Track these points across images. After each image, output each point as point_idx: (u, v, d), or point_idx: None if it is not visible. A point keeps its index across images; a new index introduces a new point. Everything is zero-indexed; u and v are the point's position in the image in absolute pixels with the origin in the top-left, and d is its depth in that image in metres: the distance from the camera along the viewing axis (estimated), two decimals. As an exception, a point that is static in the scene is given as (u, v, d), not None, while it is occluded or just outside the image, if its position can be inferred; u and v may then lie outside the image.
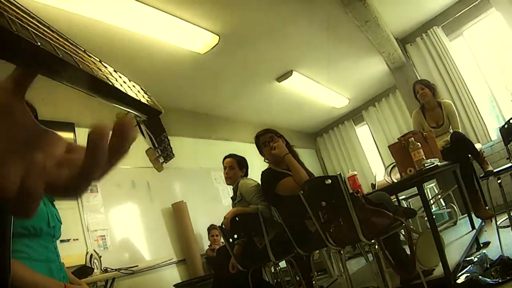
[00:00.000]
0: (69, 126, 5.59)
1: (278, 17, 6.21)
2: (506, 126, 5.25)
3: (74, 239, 5.18)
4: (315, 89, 9.27)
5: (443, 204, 7.78)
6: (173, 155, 1.03)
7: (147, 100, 0.81)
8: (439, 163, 4.19)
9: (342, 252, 3.85)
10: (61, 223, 2.39)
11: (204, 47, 6.05)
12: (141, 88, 0.79)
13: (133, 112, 0.78)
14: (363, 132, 12.20)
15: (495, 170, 4.88)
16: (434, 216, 6.90)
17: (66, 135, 5.52)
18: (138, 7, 4.68)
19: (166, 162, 1.01)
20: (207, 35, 5.83)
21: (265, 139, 4.47)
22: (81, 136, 5.73)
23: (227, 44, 6.17)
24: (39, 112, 5.20)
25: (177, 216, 6.74)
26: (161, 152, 0.98)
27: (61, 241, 4.87)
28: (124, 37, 5.19)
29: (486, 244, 5.17)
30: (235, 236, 4.56)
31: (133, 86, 0.78)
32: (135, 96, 0.72)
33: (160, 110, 0.86)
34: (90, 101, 6.08)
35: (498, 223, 4.81)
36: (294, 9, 6.12)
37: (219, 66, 6.81)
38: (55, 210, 2.41)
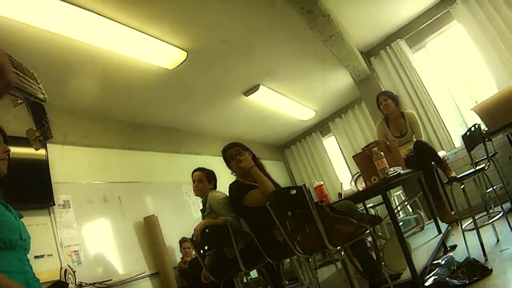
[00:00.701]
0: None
1: (244, 33, 6.29)
2: (468, 133, 5.39)
3: (48, 255, 5.13)
4: (282, 103, 9.34)
5: (410, 211, 7.88)
6: (51, 136, 1.17)
7: (38, 88, 0.95)
8: (402, 171, 4.26)
9: (310, 260, 3.90)
10: (30, 238, 2.41)
11: (173, 63, 6.08)
12: (36, 79, 0.94)
13: (27, 97, 0.92)
14: (330, 143, 12.31)
15: (458, 176, 4.99)
16: (401, 222, 7.11)
17: (37, 152, 5.45)
18: (108, 24, 4.71)
19: (44, 142, 1.16)
20: (175, 51, 5.86)
21: (232, 153, 4.50)
22: (54, 153, 5.72)
23: (195, 60, 6.20)
24: (10, 128, 5.20)
25: (149, 230, 6.73)
26: (41, 134, 1.11)
27: (35, 257, 4.86)
28: (93, 54, 5.19)
29: (453, 247, 5.27)
30: (206, 247, 4.58)
31: (28, 78, 0.91)
32: (28, 87, 0.86)
33: (43, 99, 1.01)
34: (61, 117, 6.09)
35: (463, 226, 4.89)
36: (260, 25, 6.21)
37: (187, 81, 6.84)
38: (23, 225, 2.43)
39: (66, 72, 5.43)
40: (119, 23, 4.81)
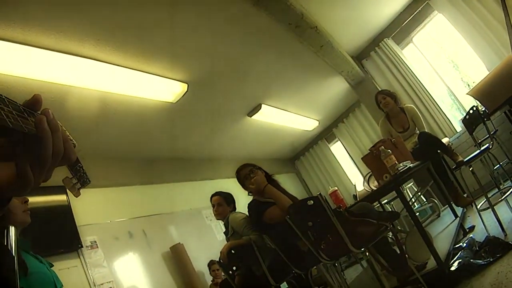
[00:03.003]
0: (61, 189, 5.57)
1: (239, 57, 6.30)
2: (467, 117, 5.40)
3: (84, 295, 5.15)
4: (285, 117, 9.33)
5: (424, 200, 7.80)
6: (89, 181, 1.11)
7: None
8: (411, 165, 4.22)
9: (336, 264, 3.85)
10: (63, 286, 2.41)
11: (175, 96, 6.08)
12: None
13: None
14: (337, 149, 12.24)
15: (465, 159, 4.96)
16: (418, 213, 7.03)
17: (59, 198, 5.54)
18: (109, 68, 4.73)
19: (83, 188, 1.09)
20: (175, 85, 5.86)
21: (245, 173, 4.47)
22: (73, 197, 5.70)
23: (196, 90, 6.20)
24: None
25: (177, 258, 6.69)
26: (78, 180, 1.05)
27: (71, 299, 4.85)
28: (99, 98, 5.19)
29: (472, 228, 5.19)
30: (234, 268, 4.55)
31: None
32: None
33: (74, 144, 0.97)
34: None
35: (478, 207, 4.86)
36: (254, 47, 6.22)
37: (191, 111, 6.82)
38: (56, 274, 2.43)
39: (79, 118, 5.43)
40: (121, 66, 4.82)
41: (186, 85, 5.97)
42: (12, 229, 1.25)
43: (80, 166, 1.10)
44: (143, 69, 5.21)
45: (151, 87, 5.58)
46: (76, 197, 1.06)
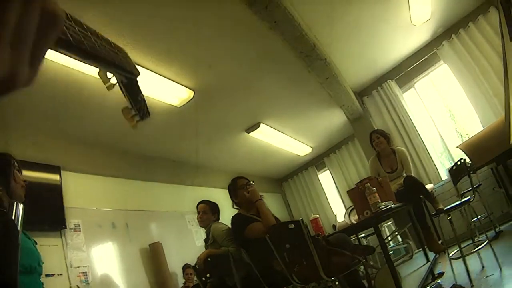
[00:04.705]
0: (56, 169, 5.61)
1: (247, 74, 6.39)
2: (454, 167, 5.49)
3: (58, 274, 5.13)
4: (280, 139, 9.41)
5: (400, 240, 7.88)
6: (149, 114, 1.04)
7: (128, 63, 0.87)
8: (393, 205, 4.31)
9: (306, 288, 3.91)
10: (43, 263, 2.48)
11: (181, 101, 6.15)
12: (126, 53, 0.86)
13: (116, 72, 0.84)
14: (325, 177, 12.33)
15: (445, 208, 5.05)
16: (392, 251, 7.10)
17: (53, 177, 5.57)
18: None
19: (142, 120, 1.01)
20: (183, 90, 5.94)
21: (242, 183, 4.54)
22: (68, 179, 5.76)
23: (201, 99, 6.27)
24: (27, 155, 5.19)
25: (154, 256, 6.71)
26: (137, 111, 0.98)
27: (46, 275, 4.85)
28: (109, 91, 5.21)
29: (441, 274, 5.26)
30: (208, 275, 4.60)
31: (118, 51, 0.85)
32: (117, 59, 0.79)
33: (137, 72, 0.91)
34: (75, 146, 6.16)
35: (450, 255, 4.94)
36: (262, 67, 6.31)
37: (193, 118, 6.88)
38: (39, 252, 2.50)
39: (84, 105, 5.48)
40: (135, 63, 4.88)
41: (193, 92, 6.04)
42: (20, 206, 1.31)
43: (142, 98, 1.03)
44: (155, 70, 5.29)
45: (160, 88, 5.67)
46: (133, 129, 0.99)
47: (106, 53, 0.78)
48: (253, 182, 4.61)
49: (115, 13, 4.22)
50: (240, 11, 4.57)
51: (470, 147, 5.50)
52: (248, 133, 8.31)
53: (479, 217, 5.97)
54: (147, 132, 6.83)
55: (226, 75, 6.18)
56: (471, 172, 5.51)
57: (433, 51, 8.22)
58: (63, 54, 0.64)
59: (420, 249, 6.37)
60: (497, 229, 6.24)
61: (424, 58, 8.45)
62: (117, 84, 0.93)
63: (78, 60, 0.72)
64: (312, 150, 11.32)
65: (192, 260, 5.14)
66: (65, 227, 5.50)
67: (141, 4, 4.24)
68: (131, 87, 0.98)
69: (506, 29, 2.70)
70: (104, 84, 0.91)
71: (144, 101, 1.05)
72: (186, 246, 7.69)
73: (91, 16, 4.07)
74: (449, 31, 7.99)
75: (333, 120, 9.64)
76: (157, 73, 5.35)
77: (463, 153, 6.19)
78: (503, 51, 2.88)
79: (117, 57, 0.84)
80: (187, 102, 6.21)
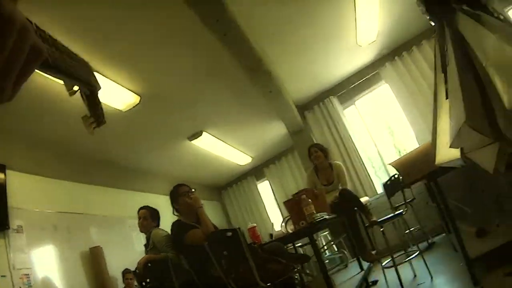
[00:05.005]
0: (0, 167, 5.51)
1: (193, 83, 6.46)
2: (388, 182, 5.76)
3: (1, 276, 5.05)
4: (222, 148, 9.49)
5: (336, 250, 8.07)
6: (105, 121, 1.15)
7: (92, 76, 0.99)
8: (327, 216, 4.49)
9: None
10: None
11: (126, 105, 6.11)
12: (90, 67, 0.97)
13: (81, 85, 0.95)
14: (264, 187, 12.47)
15: (378, 220, 5.28)
16: (327, 260, 7.28)
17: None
18: None
19: (98, 127, 1.13)
20: (129, 95, 5.92)
21: (185, 190, 4.60)
22: (12, 179, 5.66)
23: (147, 104, 6.26)
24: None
25: (94, 260, 6.65)
26: (95, 120, 1.10)
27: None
28: (52, 86, 5.05)
29: (375, 282, 5.51)
30: (148, 280, 4.65)
31: (83, 65, 0.96)
32: (82, 74, 0.90)
33: (99, 86, 1.03)
34: (21, 145, 6.05)
35: (383, 264, 5.14)
36: (208, 77, 6.39)
37: (138, 123, 6.88)
38: None
39: (31, 106, 5.33)
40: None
41: (139, 97, 6.04)
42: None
43: (100, 107, 1.15)
44: (103, 72, 5.26)
45: (106, 91, 5.58)
46: (90, 134, 1.10)
47: (73, 68, 0.88)
48: (195, 189, 4.70)
49: (66, 14, 4.18)
50: (191, 21, 4.64)
51: (401, 165, 5.73)
52: (191, 140, 8.35)
53: (411, 229, 6.25)
54: (89, 134, 6.76)
55: (172, 83, 6.23)
56: (405, 187, 5.79)
57: (376, 71, 8.59)
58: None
59: (355, 258, 6.58)
60: (429, 241, 6.55)
61: (366, 77, 8.80)
62: (78, 92, 1.04)
63: (46, 74, 0.81)
64: (252, 160, 11.43)
65: (132, 265, 5.16)
66: (9, 228, 5.38)
67: (93, 5, 4.23)
68: (93, 98, 1.10)
69: (439, 62, 2.93)
70: (67, 91, 1.02)
71: (102, 109, 1.16)
72: (126, 251, 7.64)
73: (43, 16, 4.04)
74: (393, 53, 8.38)
75: (274, 132, 9.83)
76: (104, 76, 5.30)
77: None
78: (434, 81, 3.12)
79: (82, 71, 0.94)
80: (133, 107, 6.19)
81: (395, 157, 8.93)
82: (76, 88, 1.01)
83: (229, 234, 3.54)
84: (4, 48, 0.53)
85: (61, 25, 4.29)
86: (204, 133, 8.25)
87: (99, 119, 1.14)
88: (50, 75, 0.82)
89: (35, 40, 0.60)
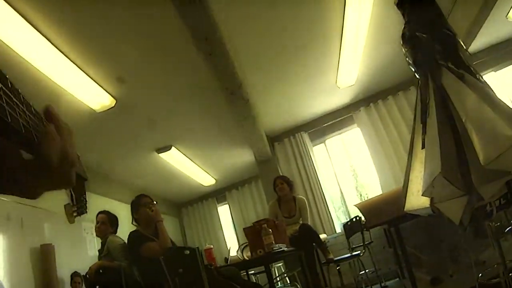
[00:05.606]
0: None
1: (171, 97, 6.44)
2: (349, 223, 5.82)
3: None
4: (188, 166, 9.45)
5: (288, 282, 8.04)
6: (86, 212, 1.14)
7: (81, 167, 0.95)
8: (285, 248, 4.47)
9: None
10: None
11: (101, 106, 5.97)
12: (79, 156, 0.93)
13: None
14: (223, 210, 12.49)
15: (335, 258, 5.30)
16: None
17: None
18: (54, 52, 4.55)
19: (78, 216, 1.11)
20: (105, 97, 5.79)
21: (146, 201, 4.56)
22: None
23: (121, 109, 6.15)
24: None
25: (44, 257, 6.43)
26: (77, 209, 1.08)
27: None
28: (32, 76, 4.82)
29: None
30: (97, 287, 4.54)
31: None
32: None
33: (86, 177, 1.01)
34: None
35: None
36: (186, 93, 6.39)
37: (109, 126, 6.78)
38: None
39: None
40: (65, 55, 4.66)
41: (115, 101, 5.92)
42: None
43: (84, 197, 1.14)
44: (82, 67, 5.04)
45: (84, 88, 5.41)
46: (70, 223, 1.10)
47: None
48: (157, 202, 4.64)
49: (55, 5, 4.05)
50: (180, 37, 4.64)
51: (367, 208, 5.80)
52: (159, 153, 8.28)
53: (366, 270, 6.26)
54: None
55: (151, 92, 6.18)
56: (364, 230, 5.86)
57: (350, 114, 8.74)
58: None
59: (308, 293, 6.55)
60: (382, 284, 6.56)
61: (340, 118, 8.95)
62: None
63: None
64: (216, 182, 11.41)
65: (82, 268, 5.03)
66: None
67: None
68: (78, 188, 1.10)
69: (419, 112, 2.98)
70: (67, 216, 1.10)
71: (86, 200, 1.17)
72: (78, 254, 7.45)
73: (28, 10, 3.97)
74: (368, 99, 8.56)
75: (241, 158, 9.86)
76: (83, 71, 5.09)
77: (359, 211, 6.50)
78: (412, 130, 3.17)
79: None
80: (108, 109, 6.06)
81: (356, 199, 9.05)
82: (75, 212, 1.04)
83: (187, 252, 3.49)
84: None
85: (51, 17, 4.17)
86: (173, 147, 8.19)
87: (81, 208, 1.15)
88: None
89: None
